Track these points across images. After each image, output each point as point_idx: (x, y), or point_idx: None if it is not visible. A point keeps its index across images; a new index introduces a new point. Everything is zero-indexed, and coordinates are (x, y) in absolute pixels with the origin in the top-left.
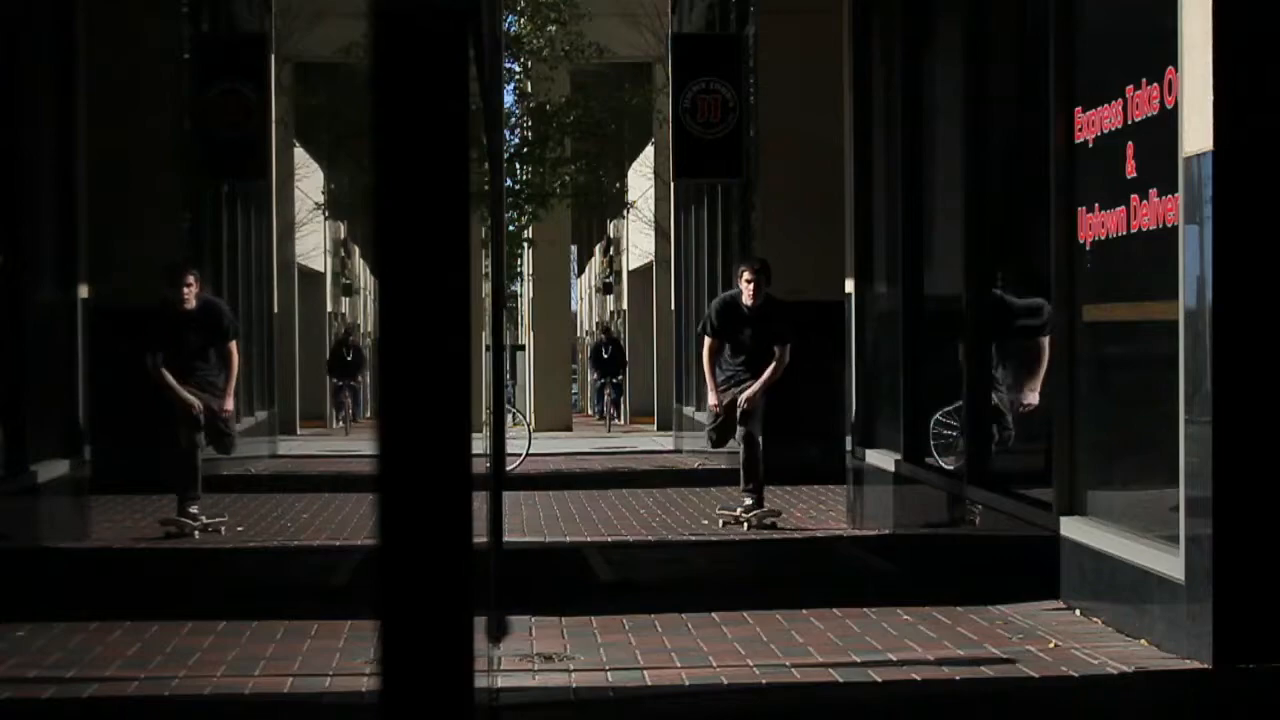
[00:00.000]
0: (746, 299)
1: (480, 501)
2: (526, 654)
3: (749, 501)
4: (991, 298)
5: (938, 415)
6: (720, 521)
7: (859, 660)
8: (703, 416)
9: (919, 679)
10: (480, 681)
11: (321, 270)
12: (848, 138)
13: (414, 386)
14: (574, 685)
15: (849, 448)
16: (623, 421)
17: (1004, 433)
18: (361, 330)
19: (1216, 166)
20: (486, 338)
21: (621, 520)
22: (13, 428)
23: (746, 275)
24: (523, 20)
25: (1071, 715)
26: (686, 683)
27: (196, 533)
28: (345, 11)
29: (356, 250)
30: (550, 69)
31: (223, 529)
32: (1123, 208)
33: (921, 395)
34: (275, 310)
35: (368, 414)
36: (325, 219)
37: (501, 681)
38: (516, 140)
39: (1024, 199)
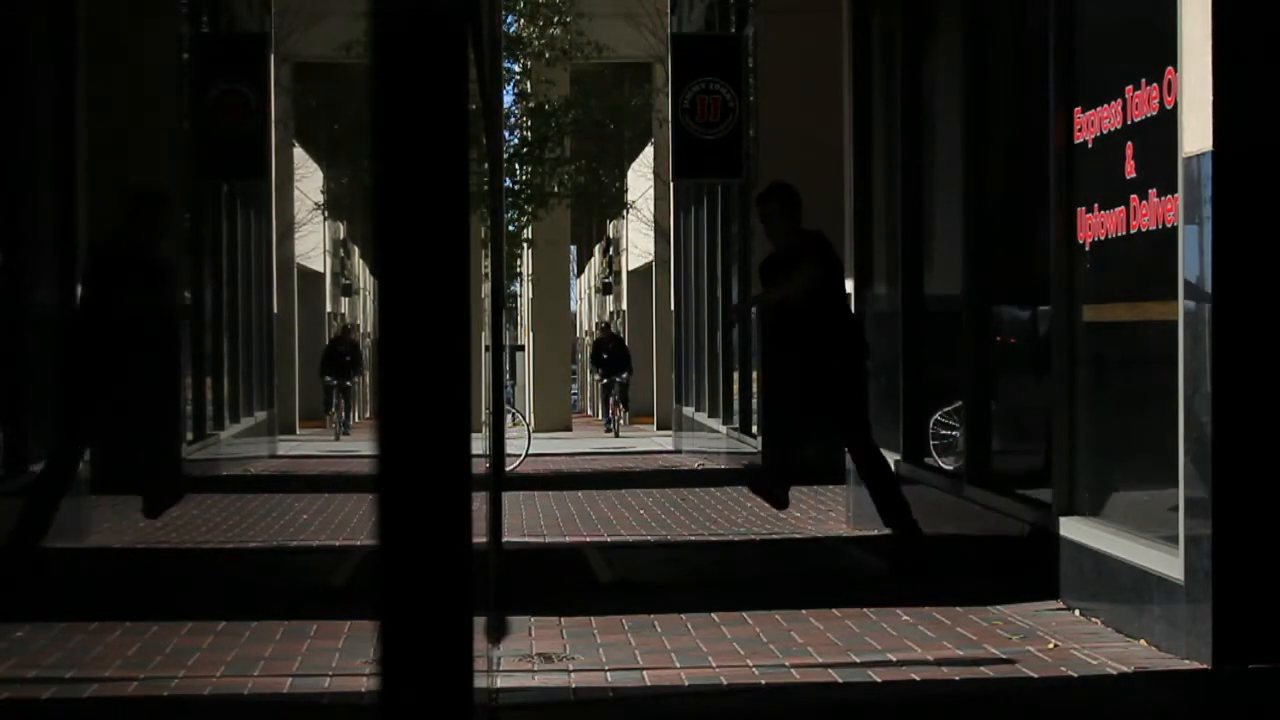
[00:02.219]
0: (771, 243)
1: (480, 501)
2: (526, 654)
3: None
4: (991, 298)
5: (937, 415)
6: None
7: (858, 661)
8: (703, 417)
9: (918, 679)
10: (480, 681)
11: (321, 270)
12: (848, 138)
13: (414, 386)
14: (573, 685)
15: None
16: (625, 422)
17: (1003, 433)
18: (361, 330)
19: (1216, 167)
20: (486, 338)
21: (621, 520)
22: (13, 428)
23: (759, 210)
24: (523, 20)
25: (1071, 715)
26: (686, 683)
27: None
28: (345, 11)
29: (356, 250)
30: (549, 66)
31: None
32: (1122, 208)
33: (921, 395)
34: (275, 310)
35: (366, 414)
36: (325, 219)
37: (501, 681)
38: (516, 140)
39: (1024, 199)
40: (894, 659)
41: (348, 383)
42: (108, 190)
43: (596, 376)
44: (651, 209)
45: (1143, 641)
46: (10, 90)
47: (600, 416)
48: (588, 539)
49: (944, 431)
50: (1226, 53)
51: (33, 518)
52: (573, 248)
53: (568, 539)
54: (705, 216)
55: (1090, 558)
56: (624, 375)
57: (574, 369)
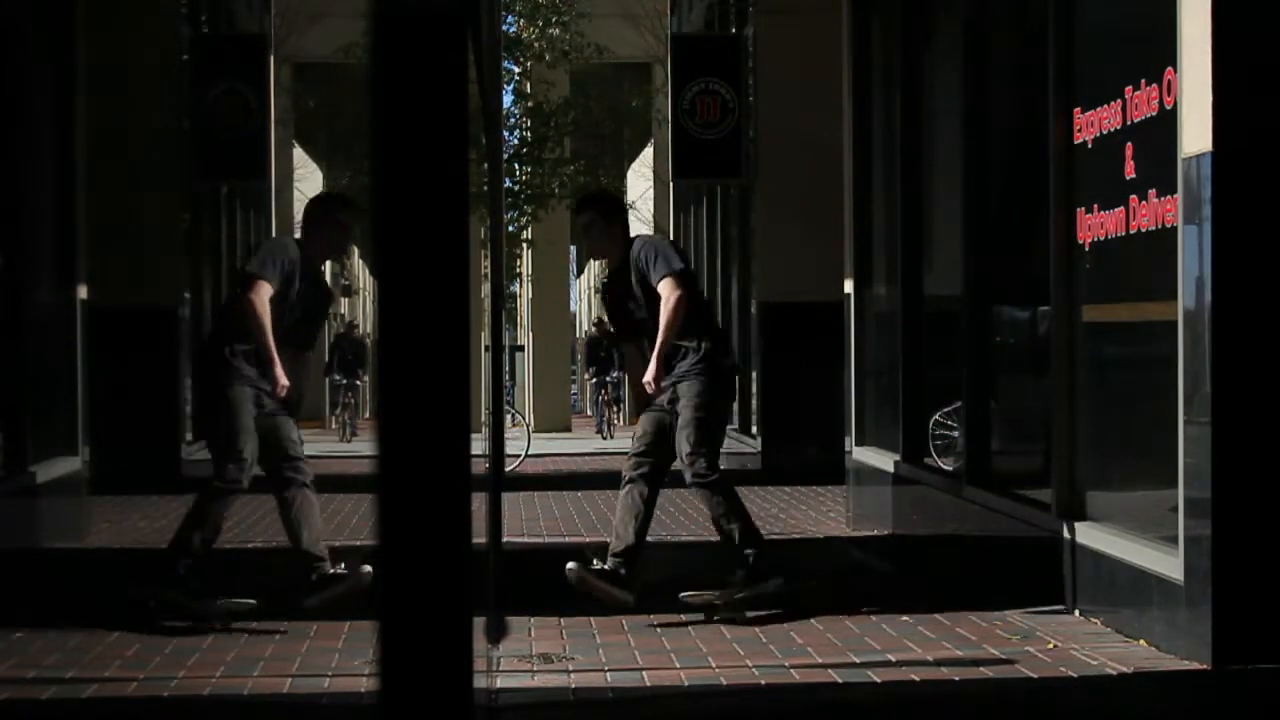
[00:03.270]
0: (603, 264)
1: (480, 502)
2: (526, 654)
3: (741, 574)
4: (991, 298)
5: (936, 416)
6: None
7: (858, 661)
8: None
9: (918, 680)
10: (480, 682)
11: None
12: (847, 138)
13: (413, 387)
14: (573, 686)
15: (848, 448)
16: (621, 423)
17: (1003, 433)
18: (361, 329)
19: (1216, 167)
20: (486, 338)
21: None
22: (13, 428)
23: (577, 224)
24: (522, 21)
25: (1071, 716)
26: (686, 683)
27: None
28: (345, 11)
29: (356, 250)
30: (549, 68)
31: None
32: (1122, 208)
33: (920, 395)
34: None
35: (367, 414)
36: None
37: (501, 682)
38: (516, 140)
39: (1023, 199)
40: (894, 659)
41: (356, 381)
42: (109, 191)
43: (588, 375)
44: (651, 209)
45: (1142, 642)
46: (10, 90)
47: (596, 427)
48: (588, 539)
49: (943, 432)
50: (1226, 53)
51: (203, 519)
52: (573, 248)
53: (568, 539)
54: (705, 216)
55: (1090, 558)
56: (615, 374)
57: (574, 369)
